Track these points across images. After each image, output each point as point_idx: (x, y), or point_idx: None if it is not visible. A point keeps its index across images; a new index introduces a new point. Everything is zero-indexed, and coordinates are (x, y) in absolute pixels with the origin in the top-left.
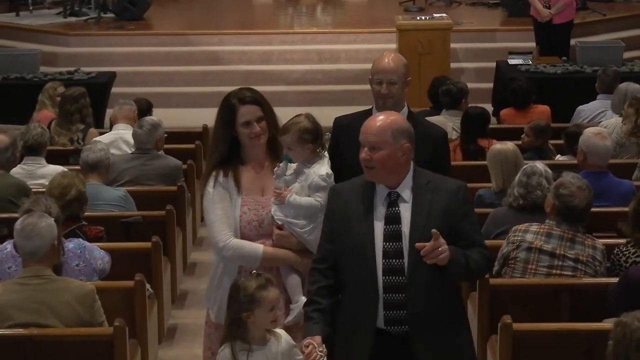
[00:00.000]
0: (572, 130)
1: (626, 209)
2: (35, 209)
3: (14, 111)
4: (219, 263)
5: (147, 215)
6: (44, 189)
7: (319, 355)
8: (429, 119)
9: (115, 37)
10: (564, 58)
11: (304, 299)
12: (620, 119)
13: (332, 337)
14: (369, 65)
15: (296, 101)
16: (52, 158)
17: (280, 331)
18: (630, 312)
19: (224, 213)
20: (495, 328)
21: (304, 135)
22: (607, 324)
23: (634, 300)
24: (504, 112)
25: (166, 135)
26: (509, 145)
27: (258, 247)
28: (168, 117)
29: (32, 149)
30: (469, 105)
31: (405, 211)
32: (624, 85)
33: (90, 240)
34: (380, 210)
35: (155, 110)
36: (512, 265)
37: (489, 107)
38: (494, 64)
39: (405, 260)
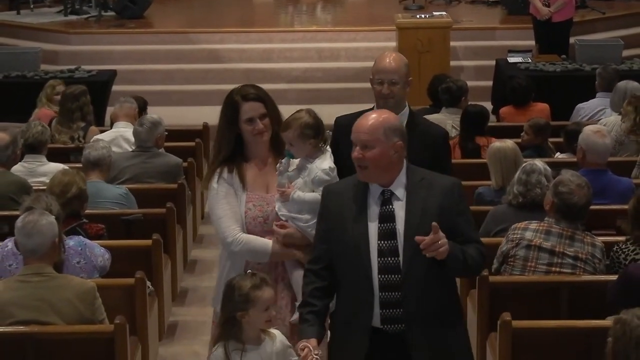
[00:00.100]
0: (572, 128)
1: (625, 206)
2: (36, 206)
3: (15, 109)
4: (226, 262)
5: (147, 212)
6: (45, 187)
7: (314, 358)
8: (428, 117)
9: (115, 35)
10: (563, 56)
11: None
12: (620, 117)
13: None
14: (369, 64)
15: (296, 99)
16: (53, 156)
17: (275, 331)
18: (630, 310)
19: (230, 208)
20: (495, 325)
21: (306, 131)
22: (606, 321)
23: (633, 298)
24: (503, 110)
25: (166, 133)
26: (509, 143)
27: (267, 242)
28: (168, 115)
29: (33, 147)
30: (469, 103)
31: (399, 209)
32: (623, 84)
33: (91, 238)
34: (374, 209)
35: (155, 108)
36: (512, 263)
37: (489, 105)
38: (493, 62)
39: (401, 258)
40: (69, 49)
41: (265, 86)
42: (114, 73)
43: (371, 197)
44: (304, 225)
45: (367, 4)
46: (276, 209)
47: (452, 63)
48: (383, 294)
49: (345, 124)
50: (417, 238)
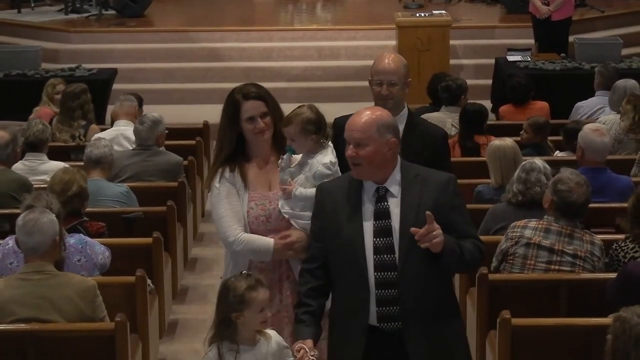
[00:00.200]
0: (571, 127)
1: (624, 204)
2: (36, 204)
3: (15, 107)
4: (230, 261)
5: (148, 211)
6: (46, 185)
7: (310, 359)
8: (428, 115)
9: (116, 33)
10: (563, 55)
11: None
12: (618, 115)
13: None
14: (368, 62)
15: (296, 97)
16: (54, 154)
17: (270, 332)
18: (630, 307)
19: (232, 207)
20: (494, 323)
21: (307, 126)
22: (605, 319)
23: (632, 296)
24: (503, 108)
25: (167, 132)
26: (508, 141)
27: (269, 240)
28: (169, 113)
29: (34, 146)
30: (468, 101)
31: (394, 206)
32: (622, 82)
33: (91, 236)
34: (369, 206)
35: (156, 107)
36: (511, 261)
37: (488, 104)
38: (492, 61)
39: (397, 255)
40: (70, 48)
41: (266, 84)
42: (114, 71)
43: (366, 194)
44: (306, 223)
45: (367, 2)
46: (279, 206)
47: (452, 61)
48: (379, 291)
49: (344, 124)
50: (412, 230)
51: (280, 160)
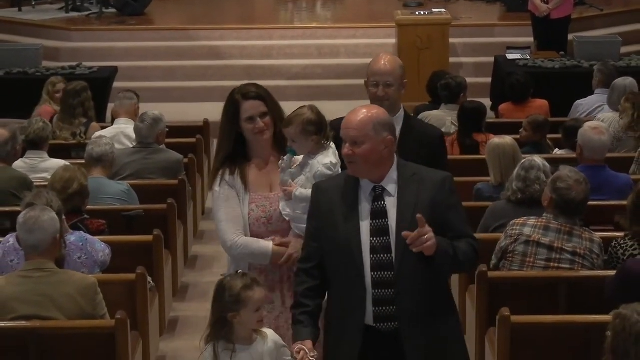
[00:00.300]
0: (570, 125)
1: (623, 202)
2: (37, 202)
3: (16, 106)
4: (232, 262)
5: (148, 208)
6: (47, 183)
7: None
8: (428, 113)
9: (116, 32)
10: (562, 53)
11: None
12: (617, 113)
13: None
14: (368, 60)
15: (296, 95)
16: (55, 152)
17: (267, 331)
18: (630, 305)
19: (231, 211)
20: (494, 321)
21: (308, 127)
22: (605, 316)
23: (631, 293)
24: (502, 106)
25: (167, 130)
26: (507, 139)
27: (267, 244)
28: (169, 112)
29: (34, 143)
30: (467, 99)
31: (391, 205)
32: (621, 81)
33: (92, 234)
34: (366, 206)
35: (156, 105)
36: (510, 259)
37: (488, 102)
38: (492, 59)
39: (394, 254)
40: (70, 46)
41: (266, 83)
42: (115, 70)
43: (362, 193)
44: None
45: (367, 0)
46: (280, 208)
47: (451, 60)
48: (376, 291)
49: (339, 126)
50: (404, 233)
51: (280, 162)
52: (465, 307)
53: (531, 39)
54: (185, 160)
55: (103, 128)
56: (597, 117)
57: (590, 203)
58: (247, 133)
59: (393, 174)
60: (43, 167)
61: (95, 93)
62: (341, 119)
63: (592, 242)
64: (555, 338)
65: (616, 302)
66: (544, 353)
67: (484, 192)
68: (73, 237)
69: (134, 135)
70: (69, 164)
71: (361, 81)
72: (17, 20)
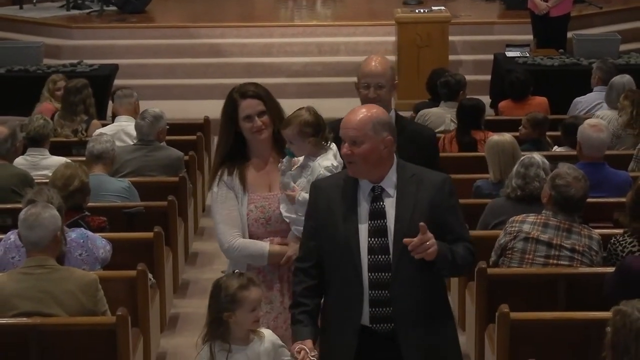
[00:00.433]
0: (569, 122)
1: (622, 199)
2: (37, 199)
3: (17, 103)
4: (231, 263)
5: (149, 205)
6: (48, 180)
7: None
8: (427, 110)
9: (117, 29)
10: (561, 50)
11: None
12: (615, 111)
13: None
14: None
15: (296, 93)
16: (56, 149)
17: (265, 331)
18: (630, 301)
19: (228, 213)
20: (493, 317)
21: (305, 129)
22: (604, 313)
23: (630, 290)
24: (502, 104)
25: (168, 127)
26: (507, 136)
27: (263, 245)
28: (170, 109)
29: (35, 141)
30: (466, 97)
31: (390, 206)
32: (618, 79)
33: (93, 231)
34: (364, 206)
35: (157, 102)
36: (510, 256)
37: (487, 99)
38: (491, 57)
39: (391, 256)
40: (71, 44)
41: (266, 80)
42: (115, 67)
43: (361, 193)
44: None
45: None
46: (281, 209)
47: (451, 57)
48: (373, 292)
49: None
50: (405, 240)
51: (280, 164)
52: (464, 304)
53: (530, 37)
54: (186, 157)
55: (104, 125)
56: (596, 114)
57: (589, 200)
58: (246, 132)
59: (392, 174)
60: (44, 164)
61: (96, 90)
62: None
63: (591, 239)
64: (555, 334)
65: (615, 298)
66: (543, 349)
67: (484, 189)
68: (74, 234)
69: (134, 133)
70: (70, 161)
71: None
72: (18, 18)
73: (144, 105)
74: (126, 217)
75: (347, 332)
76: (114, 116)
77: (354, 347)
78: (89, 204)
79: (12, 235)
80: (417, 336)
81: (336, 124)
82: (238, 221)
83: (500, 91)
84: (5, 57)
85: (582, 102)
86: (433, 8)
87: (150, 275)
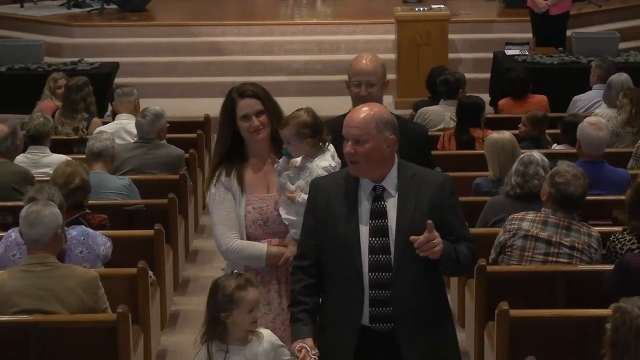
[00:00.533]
0: (569, 120)
1: (621, 197)
2: (38, 197)
3: (18, 101)
4: (229, 263)
5: (149, 203)
6: (48, 178)
7: (312, 359)
8: (427, 108)
9: (118, 28)
10: (560, 49)
11: None
12: (614, 109)
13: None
14: None
15: (296, 91)
16: (56, 147)
17: (264, 331)
18: (630, 299)
19: (226, 214)
20: (492, 315)
21: (303, 130)
22: (603, 310)
23: (629, 287)
24: (501, 102)
25: (168, 125)
26: (506, 134)
27: (261, 247)
28: (170, 107)
29: (35, 139)
30: (466, 95)
31: (391, 206)
32: (617, 77)
33: (94, 228)
34: (365, 205)
35: (157, 100)
36: (509, 253)
37: (487, 97)
38: (491, 55)
39: (392, 256)
40: (72, 42)
41: (266, 78)
42: (116, 65)
43: (362, 192)
44: None
45: None
46: (280, 212)
47: (450, 55)
48: (373, 292)
49: (335, 127)
50: (412, 238)
51: (276, 165)
52: (464, 301)
53: (530, 35)
54: (186, 155)
55: (104, 123)
56: (595, 112)
57: (588, 198)
58: (243, 132)
59: (393, 174)
60: (45, 162)
61: (96, 89)
62: (338, 118)
63: (590, 237)
64: (554, 332)
65: (614, 296)
66: (542, 347)
67: (483, 187)
68: (74, 231)
69: (135, 131)
70: (70, 159)
71: None
72: (19, 16)
73: (144, 103)
74: (127, 215)
75: (347, 331)
76: (114, 114)
77: (354, 347)
78: (90, 201)
79: (13, 233)
80: (417, 336)
81: (335, 121)
82: (236, 222)
83: (499, 89)
84: (6, 55)
85: (581, 100)
86: (433, 6)
87: (150, 273)
